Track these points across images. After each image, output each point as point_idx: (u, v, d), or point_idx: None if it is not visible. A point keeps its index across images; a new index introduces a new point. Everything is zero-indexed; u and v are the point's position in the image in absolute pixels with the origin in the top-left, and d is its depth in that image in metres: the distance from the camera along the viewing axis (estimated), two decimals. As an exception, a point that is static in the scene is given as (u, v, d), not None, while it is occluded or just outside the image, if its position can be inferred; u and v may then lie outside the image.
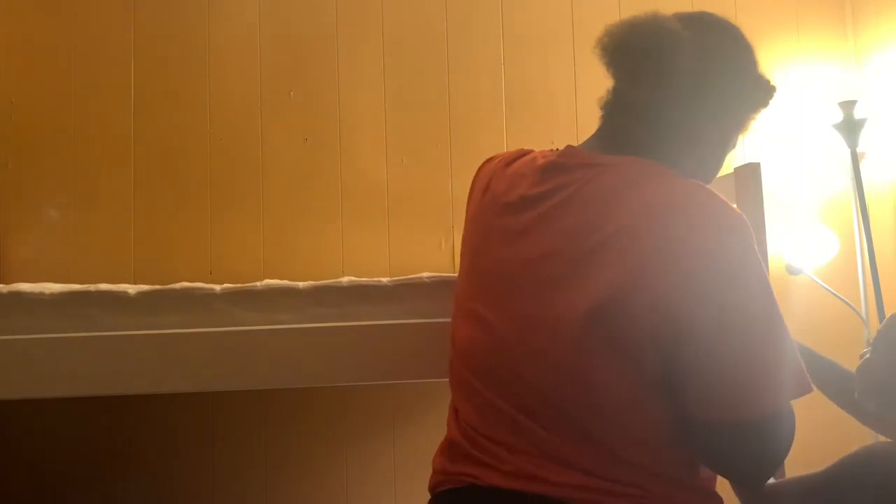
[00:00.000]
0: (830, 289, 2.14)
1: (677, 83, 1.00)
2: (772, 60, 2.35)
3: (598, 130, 1.09)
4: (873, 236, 2.11)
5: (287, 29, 2.16)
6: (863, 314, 2.17)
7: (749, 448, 0.88)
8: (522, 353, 0.95)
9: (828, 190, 2.33)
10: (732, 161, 2.26)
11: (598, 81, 2.45)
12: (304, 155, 2.12)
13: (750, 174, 1.34)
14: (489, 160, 1.20)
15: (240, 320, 1.30)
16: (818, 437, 1.63)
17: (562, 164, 1.01)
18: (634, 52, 1.02)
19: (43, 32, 2.09)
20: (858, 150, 2.11)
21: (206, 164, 2.10)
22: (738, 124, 1.12)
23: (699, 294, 0.84)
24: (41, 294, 1.27)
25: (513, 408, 0.94)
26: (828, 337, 2.24)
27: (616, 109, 1.07)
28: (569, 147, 1.05)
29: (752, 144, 2.32)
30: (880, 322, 2.02)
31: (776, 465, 0.91)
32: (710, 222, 0.87)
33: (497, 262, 1.02)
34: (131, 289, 1.31)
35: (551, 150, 1.12)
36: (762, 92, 1.13)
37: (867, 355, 1.09)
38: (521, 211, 1.01)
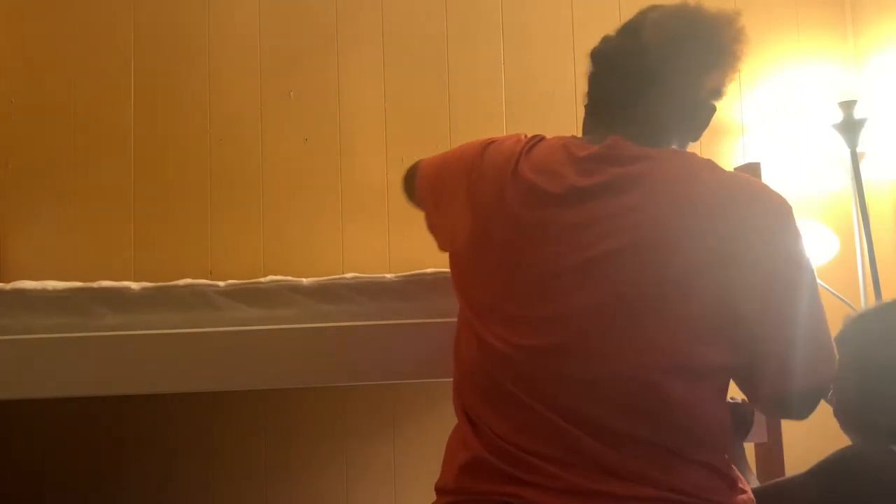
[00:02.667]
0: (830, 289, 2.14)
1: (710, 59, 1.04)
2: (772, 60, 2.35)
3: (622, 119, 1.05)
4: (873, 236, 2.11)
5: (287, 29, 2.16)
6: (863, 314, 2.17)
7: (816, 398, 0.99)
8: (599, 361, 0.90)
9: (828, 190, 2.33)
10: (733, 161, 2.26)
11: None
12: (304, 155, 2.12)
13: (750, 174, 1.33)
14: (488, 142, 1.10)
15: (243, 317, 1.29)
16: (819, 436, 1.63)
17: (608, 156, 0.99)
18: (678, 30, 1.03)
19: (43, 32, 2.08)
20: (858, 150, 2.11)
21: (206, 164, 2.10)
22: (708, 121, 1.14)
23: (784, 276, 0.93)
24: (44, 291, 1.27)
25: (566, 420, 0.89)
26: (828, 337, 2.24)
27: (646, 98, 1.05)
28: (608, 138, 1.01)
29: (752, 144, 2.32)
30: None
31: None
32: (774, 209, 0.98)
33: (549, 259, 0.95)
34: (134, 285, 1.31)
35: (570, 137, 1.07)
36: (729, 82, 1.13)
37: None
38: (573, 204, 0.96)
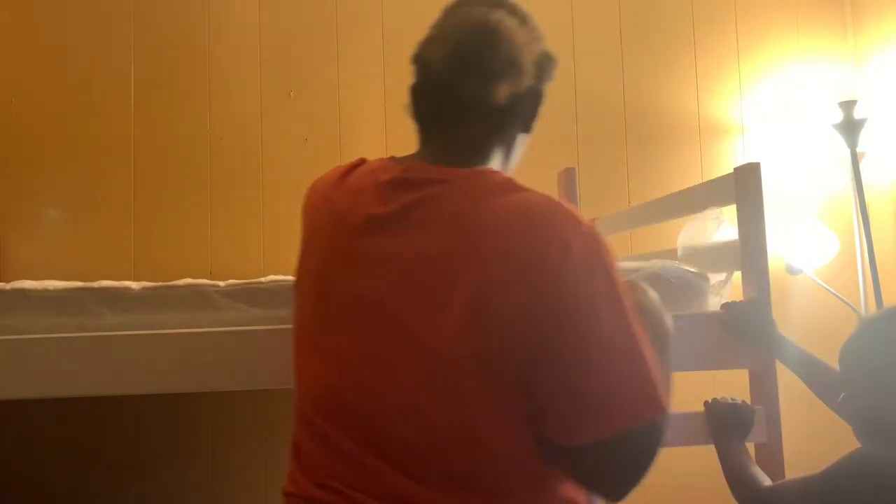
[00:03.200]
0: (830, 289, 2.14)
1: (501, 78, 0.94)
2: (772, 60, 2.36)
3: (431, 137, 1.00)
4: (873, 236, 2.11)
5: (287, 29, 2.16)
6: (863, 314, 2.17)
7: (610, 466, 0.86)
8: (391, 398, 0.86)
9: (828, 190, 2.33)
10: (733, 161, 2.26)
11: (598, 82, 2.45)
12: (304, 155, 2.12)
13: (750, 174, 1.33)
14: (316, 182, 1.07)
15: (244, 317, 1.29)
16: (819, 435, 1.63)
17: (407, 180, 0.92)
18: (463, 42, 0.95)
19: (43, 32, 2.09)
20: (858, 150, 2.11)
21: (206, 164, 2.11)
22: (537, 109, 1.04)
23: (556, 309, 0.81)
24: (45, 291, 1.27)
25: (375, 457, 0.86)
26: (828, 337, 2.24)
27: (439, 110, 0.98)
28: (410, 160, 0.97)
29: (752, 144, 2.32)
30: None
31: (638, 480, 0.87)
32: (561, 235, 0.83)
33: (349, 291, 0.91)
34: (134, 285, 1.31)
35: (387, 159, 1.00)
36: (553, 67, 1.06)
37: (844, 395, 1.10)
38: (370, 232, 0.91)
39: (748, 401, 1.31)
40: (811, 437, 1.66)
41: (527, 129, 1.04)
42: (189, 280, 1.35)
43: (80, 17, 2.10)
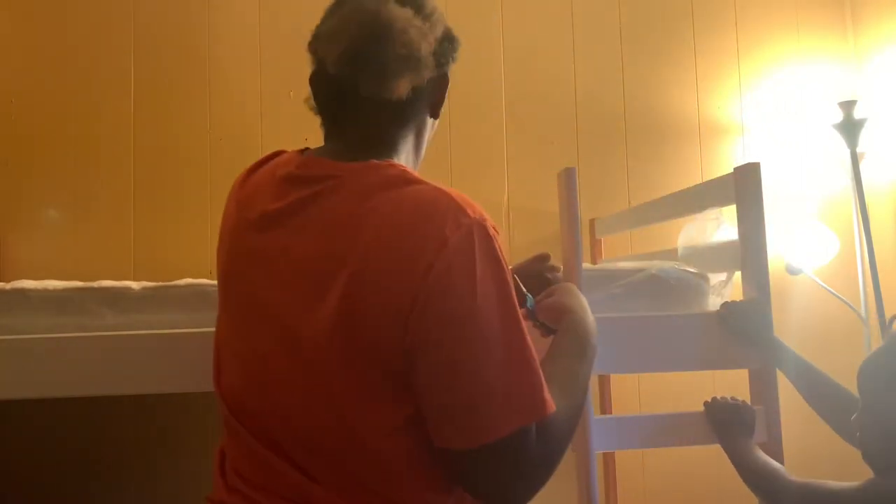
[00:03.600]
0: (830, 289, 2.14)
1: (398, 75, 0.90)
2: (772, 60, 2.36)
3: (332, 130, 0.98)
4: (873, 236, 2.11)
5: (287, 29, 2.16)
6: (863, 314, 2.17)
7: (495, 472, 0.81)
8: (273, 391, 0.86)
9: (828, 190, 2.33)
10: (733, 161, 2.26)
11: (598, 82, 2.45)
12: (304, 155, 2.12)
13: (750, 174, 1.33)
14: (241, 172, 1.05)
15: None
16: (819, 435, 1.63)
17: (300, 176, 0.90)
18: (356, 41, 0.90)
19: (43, 32, 2.08)
20: (858, 150, 2.11)
21: (206, 164, 2.11)
22: (444, 93, 1.00)
23: (426, 303, 0.78)
24: (44, 290, 1.27)
25: (272, 452, 0.85)
26: (828, 337, 2.25)
27: (340, 105, 0.95)
28: (309, 154, 0.95)
29: (752, 144, 2.32)
30: (880, 322, 2.02)
31: (526, 488, 0.83)
32: (440, 227, 0.79)
33: (244, 291, 0.91)
34: (134, 285, 1.31)
35: (295, 152, 0.99)
36: (455, 48, 1.00)
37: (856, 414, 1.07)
38: (263, 230, 0.90)
39: (748, 401, 1.31)
40: (811, 437, 1.66)
41: (435, 114, 1.00)
42: (189, 280, 1.35)
43: (80, 17, 2.09)
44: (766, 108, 2.34)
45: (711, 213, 1.46)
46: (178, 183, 2.09)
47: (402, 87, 0.91)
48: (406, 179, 0.86)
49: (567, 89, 2.27)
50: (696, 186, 1.60)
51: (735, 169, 1.36)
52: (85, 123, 2.07)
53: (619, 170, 2.28)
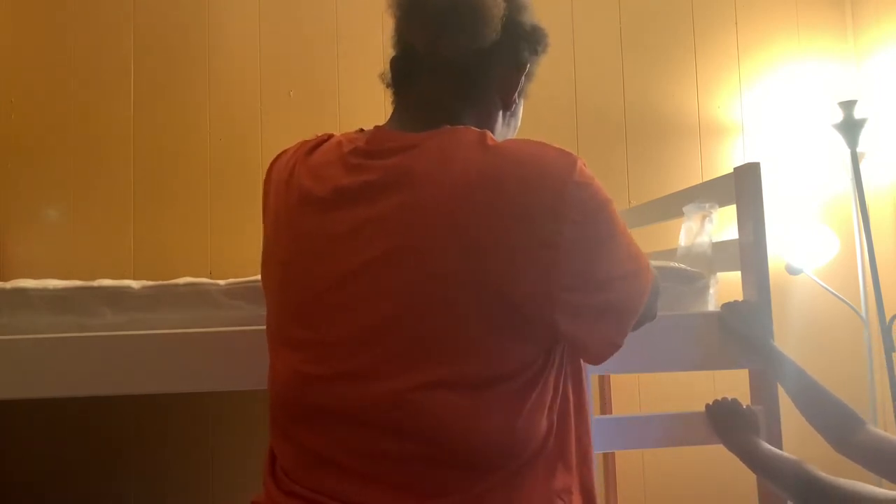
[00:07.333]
0: (830, 289, 2.14)
1: (484, 34, 0.89)
2: (772, 60, 2.36)
3: (400, 103, 0.97)
4: (873, 236, 2.11)
5: (287, 29, 2.16)
6: (863, 314, 2.17)
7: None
8: (363, 387, 0.81)
9: (828, 190, 2.33)
10: (733, 161, 2.26)
11: (598, 82, 2.45)
12: (304, 155, 2.12)
13: (750, 174, 1.33)
14: (280, 155, 1.00)
15: (244, 315, 1.29)
16: (817, 435, 1.63)
17: (370, 151, 0.88)
18: (441, 6, 0.88)
19: (43, 32, 2.09)
20: (858, 150, 2.11)
21: (206, 164, 2.11)
22: (532, 71, 0.99)
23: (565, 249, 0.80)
24: (44, 290, 1.27)
25: (344, 453, 0.82)
26: (828, 337, 2.25)
27: (417, 75, 0.94)
28: (376, 129, 0.93)
29: (752, 144, 2.32)
30: (880, 322, 2.03)
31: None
32: (549, 187, 0.80)
33: (318, 275, 0.85)
34: (135, 284, 1.31)
35: (357, 131, 0.96)
36: (539, 39, 0.99)
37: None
38: (337, 207, 0.85)
39: (748, 401, 1.31)
40: (811, 437, 1.65)
41: (506, 103, 0.97)
42: (189, 279, 1.35)
43: (80, 17, 2.10)
44: (766, 108, 2.34)
45: (698, 210, 1.46)
46: (178, 183, 2.09)
47: (451, 44, 0.90)
48: (492, 137, 0.84)
49: (567, 89, 2.27)
50: (696, 186, 1.60)
51: (735, 169, 1.36)
52: (85, 123, 2.07)
53: (618, 170, 2.28)
